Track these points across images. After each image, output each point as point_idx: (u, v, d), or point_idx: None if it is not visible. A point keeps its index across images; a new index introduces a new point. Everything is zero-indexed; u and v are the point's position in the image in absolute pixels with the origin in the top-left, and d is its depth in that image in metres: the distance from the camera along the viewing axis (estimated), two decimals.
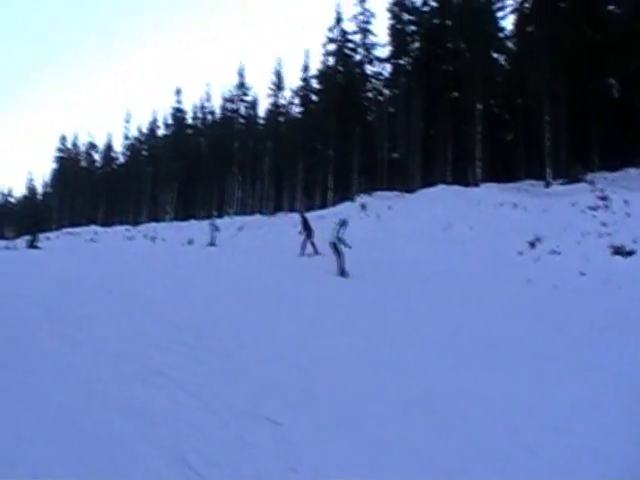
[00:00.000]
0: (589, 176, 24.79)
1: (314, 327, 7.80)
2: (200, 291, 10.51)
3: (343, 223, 14.87)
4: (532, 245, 17.93)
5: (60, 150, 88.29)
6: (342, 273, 14.34)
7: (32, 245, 28.98)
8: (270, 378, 5.07)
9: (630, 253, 14.87)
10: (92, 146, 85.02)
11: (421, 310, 9.93)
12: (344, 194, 37.98)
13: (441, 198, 26.39)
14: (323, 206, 38.96)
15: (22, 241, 39.93)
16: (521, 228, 19.52)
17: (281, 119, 54.26)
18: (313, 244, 19.57)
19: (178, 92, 66.37)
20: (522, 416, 4.72)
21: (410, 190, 31.53)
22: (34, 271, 12.31)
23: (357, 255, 16.02)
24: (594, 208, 18.88)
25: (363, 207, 29.95)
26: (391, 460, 3.58)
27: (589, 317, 10.05)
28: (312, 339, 7.01)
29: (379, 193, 32.73)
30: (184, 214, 57.20)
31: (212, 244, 27.30)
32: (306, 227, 19.83)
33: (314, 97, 48.20)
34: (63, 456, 3.09)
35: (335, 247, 14.35)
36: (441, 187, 28.74)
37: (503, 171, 34.07)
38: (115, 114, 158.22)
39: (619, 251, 15.13)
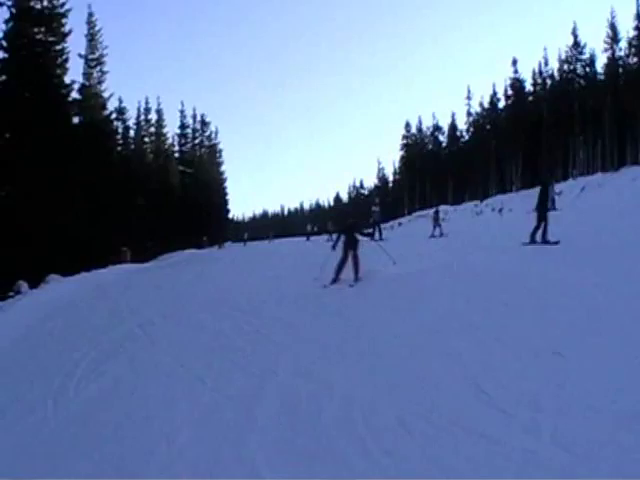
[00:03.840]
0: None
1: None
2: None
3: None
4: None
5: (405, 137, 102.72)
6: None
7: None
8: (565, 321, 6.40)
9: None
10: (437, 128, 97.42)
11: None
12: None
13: None
14: None
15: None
16: None
17: (620, 71, 59.10)
18: (356, 261, 12.90)
19: (514, 62, 75.43)
20: None
21: None
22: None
23: None
24: None
25: None
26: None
27: None
28: None
29: None
30: (530, 183, 62.18)
31: (554, 208, 34.01)
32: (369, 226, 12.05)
33: None
34: (387, 391, 4.88)
35: None
36: None
37: None
38: (457, 93, 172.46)
39: None
